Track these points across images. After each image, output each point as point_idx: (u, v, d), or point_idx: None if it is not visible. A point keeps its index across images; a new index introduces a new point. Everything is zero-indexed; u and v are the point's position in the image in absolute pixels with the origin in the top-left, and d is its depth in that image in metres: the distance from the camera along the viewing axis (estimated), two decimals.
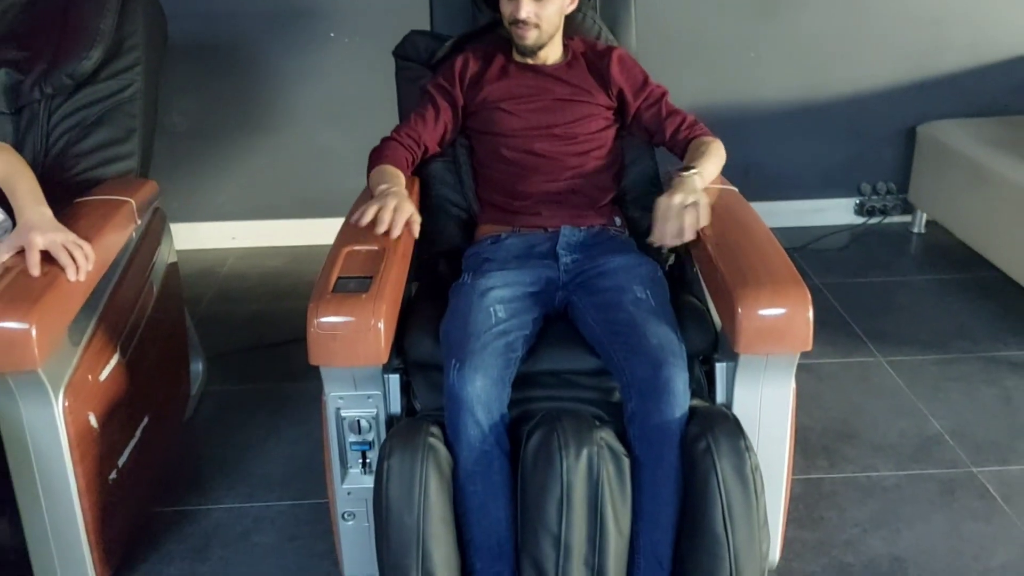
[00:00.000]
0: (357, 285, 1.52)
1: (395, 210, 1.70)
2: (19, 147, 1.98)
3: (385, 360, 1.52)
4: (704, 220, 1.70)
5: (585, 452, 1.48)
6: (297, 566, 1.86)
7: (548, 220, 1.90)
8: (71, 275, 1.58)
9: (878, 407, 2.35)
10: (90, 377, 1.67)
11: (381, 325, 1.47)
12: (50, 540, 1.65)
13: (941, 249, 3.29)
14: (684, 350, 1.57)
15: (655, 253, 1.88)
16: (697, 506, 1.49)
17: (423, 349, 1.66)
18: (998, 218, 2.85)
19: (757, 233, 1.70)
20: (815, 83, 3.32)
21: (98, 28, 2.05)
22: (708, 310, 1.74)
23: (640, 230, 1.95)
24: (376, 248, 1.64)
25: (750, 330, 1.49)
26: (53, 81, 2.02)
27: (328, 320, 1.47)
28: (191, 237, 3.31)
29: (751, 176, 3.24)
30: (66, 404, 1.58)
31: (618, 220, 1.97)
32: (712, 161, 1.87)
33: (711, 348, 1.68)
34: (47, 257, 1.58)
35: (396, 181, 1.83)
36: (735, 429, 1.51)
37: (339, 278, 1.55)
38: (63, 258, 1.58)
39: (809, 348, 1.51)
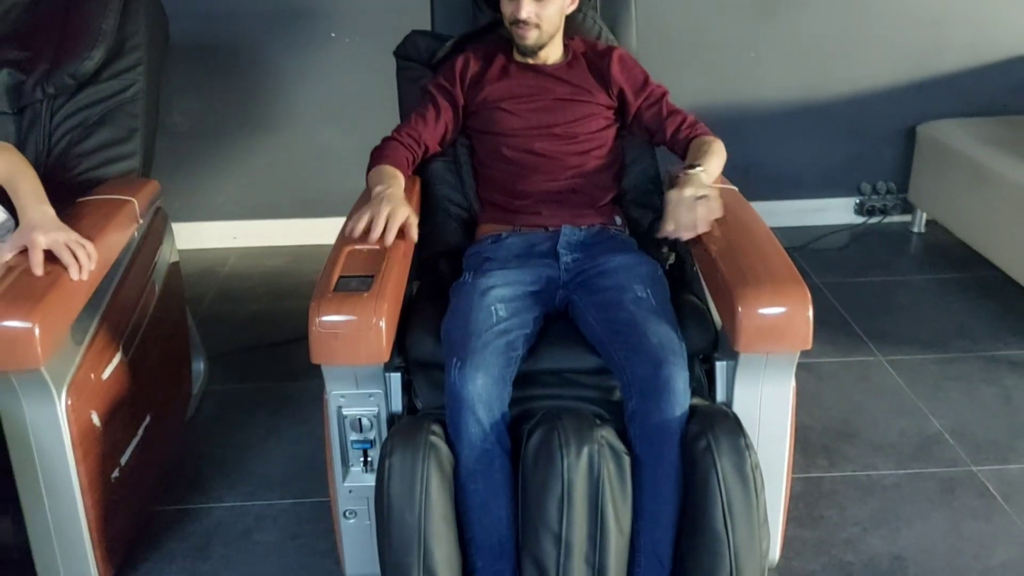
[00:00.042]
0: (359, 284, 1.53)
1: (388, 216, 1.68)
2: (21, 147, 1.98)
3: (386, 359, 1.53)
4: (718, 212, 1.70)
5: (586, 450, 1.49)
6: (299, 564, 1.87)
7: (549, 219, 1.91)
8: (74, 274, 1.58)
9: (878, 406, 2.36)
10: (93, 376, 1.68)
11: (382, 324, 1.48)
12: (53, 538, 1.65)
13: (941, 249, 3.29)
14: (684, 349, 1.57)
15: (655, 252, 1.89)
16: (697, 504, 1.50)
17: (424, 348, 1.66)
18: (998, 218, 2.85)
19: (757, 232, 1.70)
20: (815, 83, 3.32)
21: (100, 28, 2.05)
22: (708, 309, 1.75)
23: (640, 230, 1.96)
24: (377, 247, 1.64)
25: (750, 329, 1.49)
26: (55, 81, 2.02)
27: (330, 319, 1.48)
28: (192, 237, 3.31)
29: (751, 176, 3.24)
30: (69, 403, 1.58)
31: (618, 219, 1.97)
32: (714, 160, 1.87)
33: (711, 347, 1.68)
34: (50, 256, 1.58)
35: (393, 182, 1.81)
36: (735, 428, 1.51)
37: (341, 277, 1.55)
38: (66, 257, 1.58)
39: (809, 347, 1.52)
